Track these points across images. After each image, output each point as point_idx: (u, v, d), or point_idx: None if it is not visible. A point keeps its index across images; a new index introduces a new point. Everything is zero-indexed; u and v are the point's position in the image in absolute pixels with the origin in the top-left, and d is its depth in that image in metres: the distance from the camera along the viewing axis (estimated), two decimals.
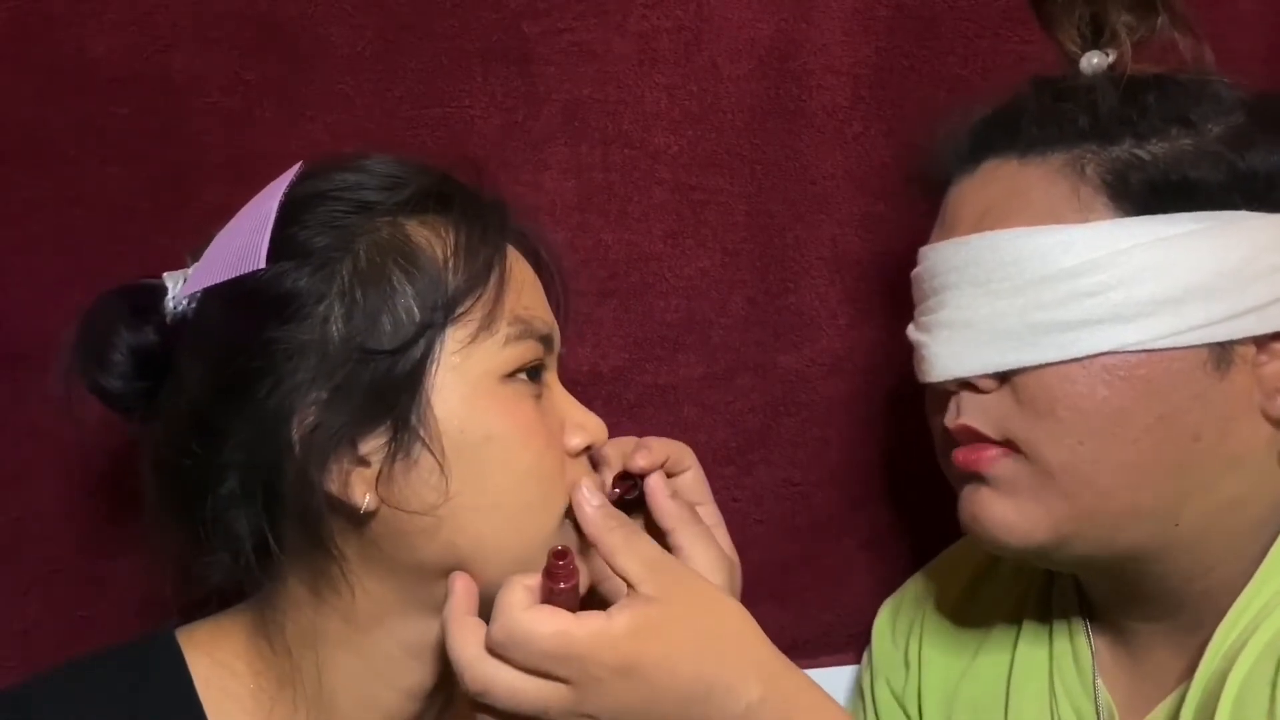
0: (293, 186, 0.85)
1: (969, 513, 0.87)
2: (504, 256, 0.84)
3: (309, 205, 0.83)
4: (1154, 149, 0.83)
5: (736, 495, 1.14)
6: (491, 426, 0.80)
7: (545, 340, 0.85)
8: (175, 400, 0.83)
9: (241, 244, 0.82)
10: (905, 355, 1.13)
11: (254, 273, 0.80)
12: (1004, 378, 0.85)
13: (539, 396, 0.84)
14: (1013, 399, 0.84)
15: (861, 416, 1.14)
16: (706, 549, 0.84)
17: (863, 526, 1.17)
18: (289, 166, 1.05)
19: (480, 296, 0.82)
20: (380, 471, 0.80)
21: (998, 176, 0.87)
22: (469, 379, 0.81)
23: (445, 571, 0.81)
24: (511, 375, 0.82)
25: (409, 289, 0.81)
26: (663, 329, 1.12)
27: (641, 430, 1.12)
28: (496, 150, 1.09)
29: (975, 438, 0.86)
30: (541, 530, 0.81)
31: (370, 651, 0.83)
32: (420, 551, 0.81)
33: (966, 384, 0.86)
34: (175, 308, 0.85)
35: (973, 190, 0.88)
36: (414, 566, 0.81)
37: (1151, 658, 0.90)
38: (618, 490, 0.86)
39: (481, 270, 0.82)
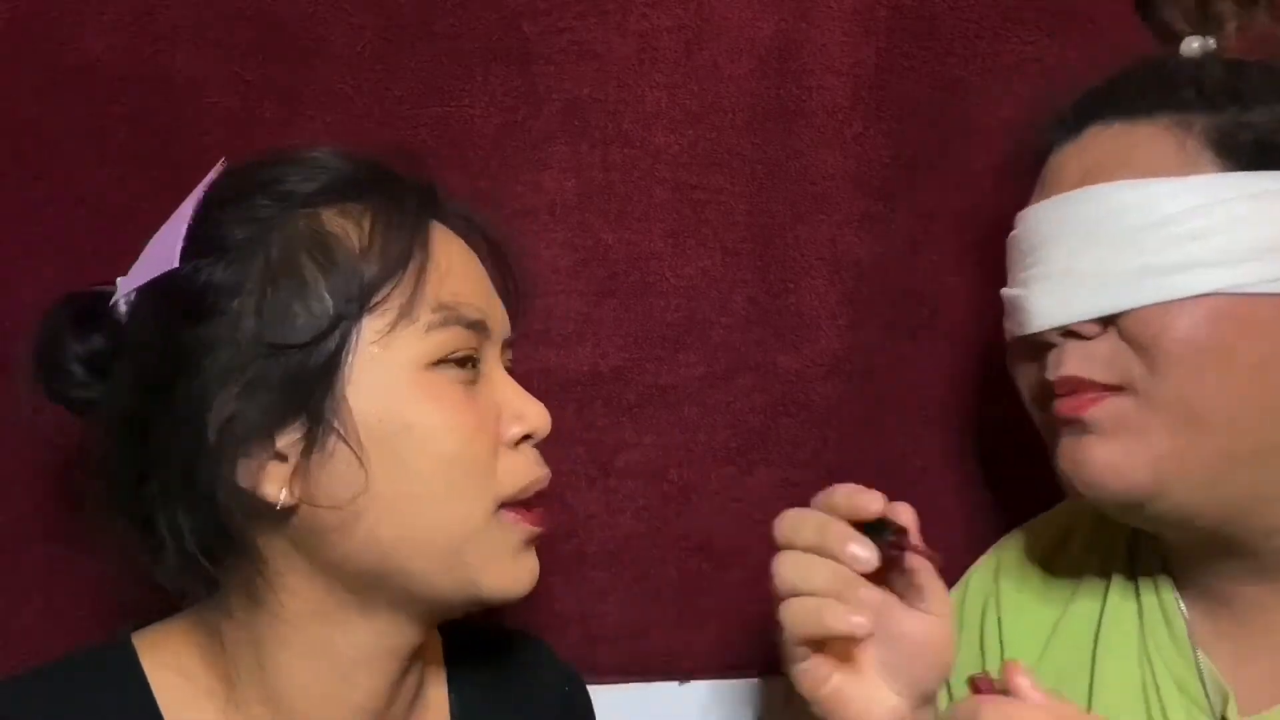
0: (215, 182, 0.84)
1: (1070, 459, 0.87)
2: (425, 242, 0.83)
3: (228, 200, 0.83)
4: (1258, 116, 0.85)
5: (736, 495, 1.14)
6: (411, 415, 0.79)
7: (476, 327, 0.83)
8: (109, 400, 0.83)
9: (165, 242, 0.83)
10: (904, 356, 1.14)
11: (171, 270, 0.80)
12: (1108, 322, 0.85)
13: (472, 383, 0.83)
14: (1118, 341, 0.85)
15: (860, 417, 1.14)
16: (942, 587, 0.85)
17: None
18: None
19: (397, 284, 0.81)
20: (296, 466, 0.79)
21: (1101, 139, 0.88)
22: (388, 368, 0.80)
23: (370, 570, 0.80)
24: (437, 363, 0.81)
25: (322, 281, 0.80)
26: (663, 329, 1.12)
27: (640, 430, 1.13)
28: (496, 150, 1.09)
29: (1079, 386, 0.86)
30: (469, 521, 0.81)
31: (315, 652, 0.82)
32: (341, 547, 0.80)
33: (1070, 332, 0.86)
34: (117, 311, 0.85)
35: (1076, 154, 0.89)
36: (338, 564, 0.80)
37: (1258, 624, 0.89)
38: (893, 551, 0.83)
39: (398, 258, 0.81)
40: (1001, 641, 1.00)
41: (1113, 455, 0.85)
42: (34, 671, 0.84)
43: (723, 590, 1.14)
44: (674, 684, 1.14)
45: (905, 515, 0.84)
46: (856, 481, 1.16)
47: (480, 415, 0.82)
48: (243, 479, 0.79)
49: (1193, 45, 0.89)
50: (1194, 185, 0.84)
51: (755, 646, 1.13)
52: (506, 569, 0.82)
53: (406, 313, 0.80)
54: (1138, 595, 0.95)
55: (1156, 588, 0.94)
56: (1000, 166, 1.10)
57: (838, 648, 0.84)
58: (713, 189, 1.11)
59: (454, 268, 0.84)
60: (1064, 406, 0.87)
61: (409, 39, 1.08)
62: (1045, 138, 0.92)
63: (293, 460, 0.79)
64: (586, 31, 1.08)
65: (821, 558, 0.83)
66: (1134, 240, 0.84)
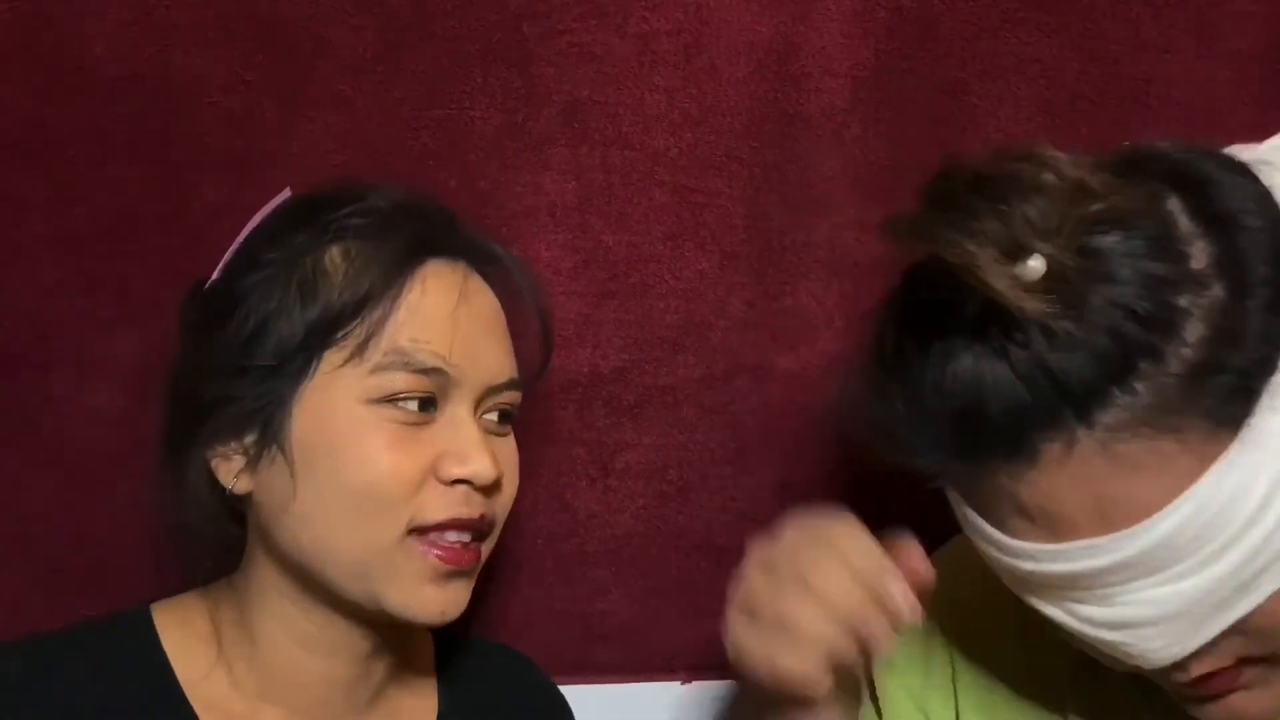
0: (280, 204, 0.95)
1: (1225, 712, 0.82)
2: (401, 286, 0.89)
3: (276, 223, 0.93)
4: (1203, 351, 0.74)
5: (734, 496, 1.14)
6: (335, 444, 0.87)
7: (431, 373, 0.88)
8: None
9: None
10: None
11: (222, 270, 0.93)
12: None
13: (424, 424, 0.89)
14: (1241, 634, 0.78)
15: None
16: None
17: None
18: (289, 166, 1.06)
19: (360, 323, 0.88)
20: (248, 463, 0.89)
21: (1075, 461, 0.75)
22: (331, 399, 0.88)
23: (300, 565, 0.90)
24: (377, 401, 0.88)
25: (299, 311, 0.89)
26: (662, 330, 1.12)
27: (640, 430, 1.13)
28: (496, 151, 1.09)
29: (1217, 674, 0.80)
30: (374, 544, 0.87)
31: (284, 625, 0.92)
32: (278, 540, 0.90)
33: None
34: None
35: (1055, 485, 0.76)
36: (281, 553, 0.90)
37: None
38: None
39: (364, 299, 0.88)
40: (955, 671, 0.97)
41: (1265, 703, 0.81)
42: (55, 631, 0.94)
43: (722, 589, 1.14)
44: (675, 684, 1.14)
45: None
46: (853, 483, 1.17)
47: (413, 453, 0.88)
48: (211, 459, 0.91)
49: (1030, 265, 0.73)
50: (1234, 461, 0.74)
51: None
52: (413, 594, 0.89)
53: (359, 352, 0.88)
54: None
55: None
56: None
57: None
58: (712, 191, 1.11)
59: (428, 311, 0.90)
60: (1209, 689, 0.81)
61: (409, 40, 1.08)
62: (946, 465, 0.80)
63: (248, 457, 0.90)
64: (586, 34, 1.08)
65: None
66: (1226, 549, 0.75)
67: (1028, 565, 0.79)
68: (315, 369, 0.88)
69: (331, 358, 0.88)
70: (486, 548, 0.93)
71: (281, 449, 0.88)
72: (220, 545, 0.94)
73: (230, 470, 0.90)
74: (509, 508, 0.94)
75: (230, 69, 1.06)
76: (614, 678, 1.13)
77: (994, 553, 0.82)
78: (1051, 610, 0.81)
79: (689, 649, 1.14)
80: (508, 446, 0.95)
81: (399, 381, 0.88)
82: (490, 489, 0.91)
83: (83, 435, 1.07)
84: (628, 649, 1.14)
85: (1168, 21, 1.10)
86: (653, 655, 1.14)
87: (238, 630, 0.93)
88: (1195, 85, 1.12)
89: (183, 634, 0.93)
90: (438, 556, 0.89)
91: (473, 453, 0.89)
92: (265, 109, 1.07)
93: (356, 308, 0.88)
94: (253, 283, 0.90)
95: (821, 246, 1.12)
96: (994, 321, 0.75)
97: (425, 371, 0.88)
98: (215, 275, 0.93)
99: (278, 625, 0.92)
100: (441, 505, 0.88)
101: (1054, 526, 0.77)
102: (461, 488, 0.89)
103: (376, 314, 0.88)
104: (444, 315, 0.90)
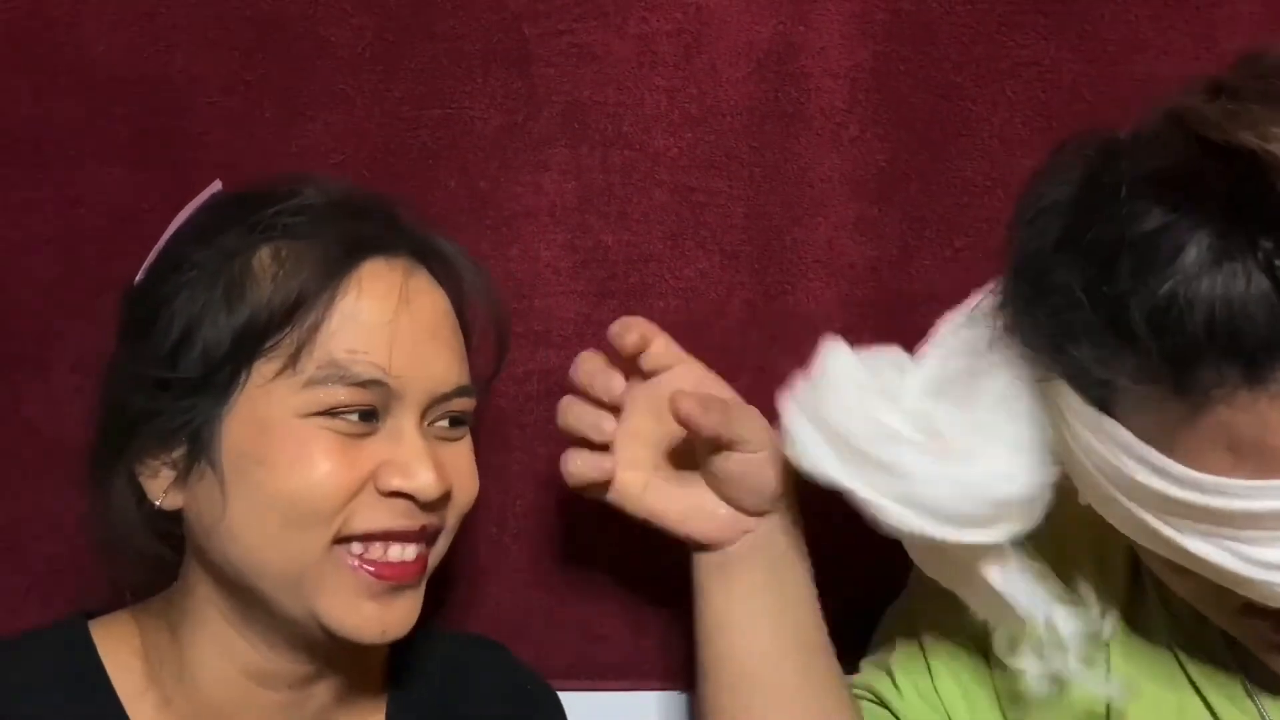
0: (204, 203, 0.90)
1: None
2: (333, 292, 0.84)
3: (201, 222, 0.88)
4: None
5: None
6: (269, 456, 0.82)
7: (370, 385, 0.84)
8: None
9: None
10: None
11: (145, 271, 0.89)
12: None
13: (366, 435, 0.84)
14: None
15: None
16: (756, 428, 0.95)
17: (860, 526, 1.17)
18: (289, 167, 1.07)
19: (289, 334, 0.83)
20: (177, 478, 0.85)
21: None
22: (265, 412, 0.83)
23: (235, 580, 0.85)
24: (313, 414, 0.83)
25: (225, 317, 0.83)
26: (662, 330, 1.12)
27: None
28: (496, 151, 1.09)
29: None
30: (303, 554, 0.83)
31: (218, 642, 0.87)
32: (213, 555, 0.85)
33: None
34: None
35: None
36: (217, 569, 0.86)
37: None
38: None
39: (296, 305, 0.83)
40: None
41: None
42: None
43: None
44: (676, 693, 1.14)
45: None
46: None
47: (352, 462, 0.83)
48: (140, 473, 0.86)
49: None
50: None
51: None
52: (349, 610, 0.84)
53: (292, 363, 0.83)
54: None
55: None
56: (996, 171, 1.11)
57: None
58: (711, 191, 1.11)
59: (365, 318, 0.84)
60: None
61: (409, 40, 1.08)
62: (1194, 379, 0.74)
63: (176, 471, 0.85)
64: (586, 34, 1.09)
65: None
66: None
67: (1215, 501, 0.76)
68: (245, 380, 0.83)
69: (263, 369, 0.83)
70: (435, 555, 0.89)
71: (211, 465, 0.83)
72: (151, 563, 0.89)
73: (159, 486, 0.86)
74: (465, 512, 0.90)
75: (230, 69, 1.07)
76: (613, 682, 1.13)
77: (1162, 484, 0.77)
78: (1202, 546, 0.78)
79: (689, 649, 1.14)
80: (460, 452, 0.90)
81: (337, 395, 0.83)
82: (436, 501, 0.86)
83: (83, 435, 1.06)
84: (625, 652, 1.14)
85: (1167, 21, 1.10)
86: (653, 656, 1.14)
87: (170, 650, 0.88)
88: None
89: (118, 649, 0.89)
90: (370, 572, 0.84)
91: (416, 466, 0.84)
92: (265, 109, 1.07)
93: (287, 314, 0.82)
94: (176, 285, 0.84)
95: (821, 246, 1.12)
96: (1269, 233, 0.72)
97: (364, 385, 0.83)
98: (139, 276, 0.89)
99: (212, 646, 0.87)
100: (372, 515, 0.84)
101: (1264, 462, 0.74)
102: (402, 500, 0.85)
103: (309, 321, 0.83)
104: (383, 322, 0.84)
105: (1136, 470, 0.78)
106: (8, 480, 1.07)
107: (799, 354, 1.14)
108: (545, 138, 1.09)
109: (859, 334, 1.14)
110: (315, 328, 0.83)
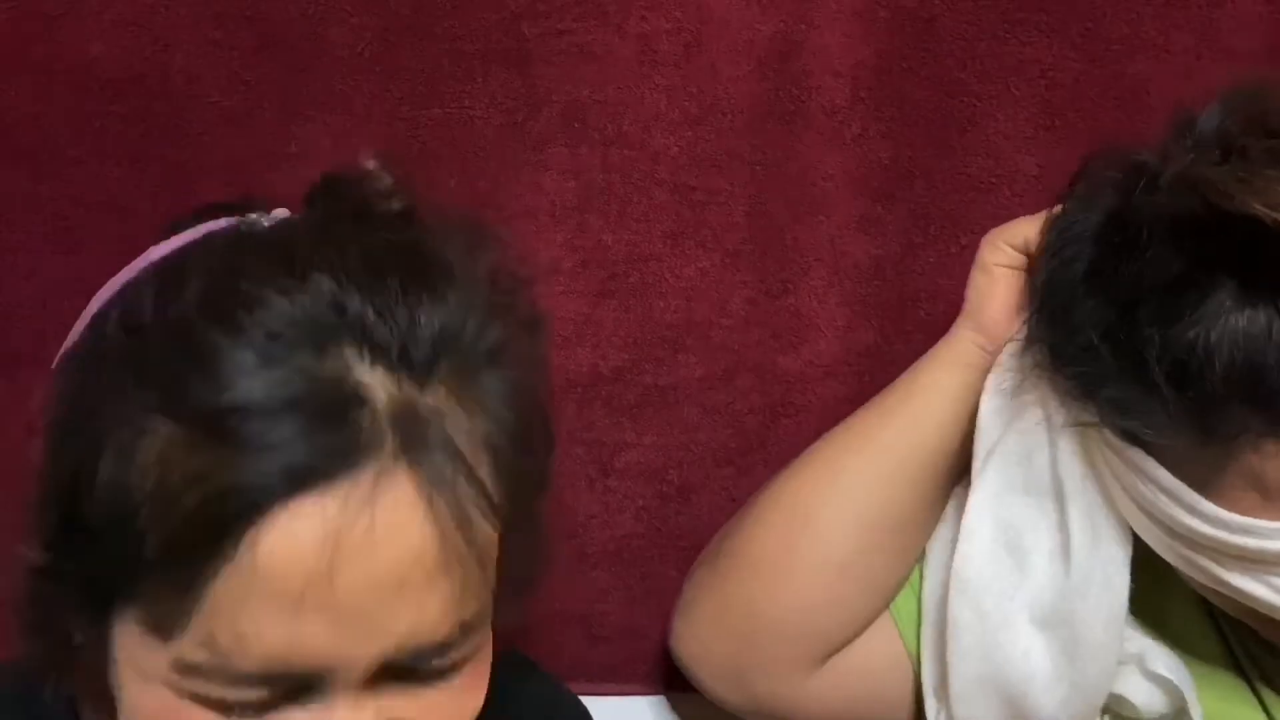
0: (169, 269, 0.70)
1: None
2: (229, 545, 0.55)
3: (127, 332, 0.65)
4: None
5: (735, 495, 1.14)
6: (139, 708, 0.61)
7: (268, 681, 0.57)
8: None
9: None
10: (903, 358, 1.14)
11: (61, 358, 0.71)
12: None
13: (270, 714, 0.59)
14: None
15: None
16: None
17: None
18: (289, 167, 1.06)
19: (162, 584, 0.57)
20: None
21: None
22: (140, 657, 0.60)
23: None
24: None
25: (89, 508, 0.60)
26: (662, 330, 1.12)
27: (640, 431, 1.13)
28: (496, 151, 1.09)
29: None
30: None
31: None
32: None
33: None
34: None
35: None
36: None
37: None
38: None
39: (171, 547, 0.56)
40: None
41: None
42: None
43: None
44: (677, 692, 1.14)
45: None
46: None
47: None
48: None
49: None
50: None
51: None
52: None
53: (157, 631, 0.58)
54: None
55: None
56: (999, 168, 1.10)
57: None
58: (712, 190, 1.11)
59: (271, 587, 0.55)
60: None
61: (409, 39, 1.08)
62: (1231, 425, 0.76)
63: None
64: (586, 33, 1.08)
65: None
66: None
67: (1249, 542, 0.77)
68: (112, 610, 0.59)
69: (125, 610, 0.58)
70: None
71: (110, 660, 0.61)
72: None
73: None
74: None
75: (230, 69, 1.06)
76: (612, 684, 1.13)
77: (1194, 522, 0.78)
78: (1243, 582, 0.79)
79: None
80: (446, 696, 0.62)
81: (215, 690, 0.57)
82: None
83: None
84: (628, 650, 1.14)
85: (1168, 21, 1.10)
86: (653, 656, 1.14)
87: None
88: (1195, 85, 1.12)
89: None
90: None
91: None
92: (265, 109, 1.07)
93: (158, 557, 0.55)
94: (63, 416, 0.63)
95: (822, 245, 1.12)
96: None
97: (255, 682, 0.57)
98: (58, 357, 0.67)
99: None
100: None
101: None
102: None
103: (183, 578, 0.55)
104: (300, 589, 0.55)
105: (1170, 507, 0.79)
106: (8, 480, 1.06)
107: (801, 354, 1.14)
108: (545, 137, 1.09)
109: (861, 333, 1.14)
110: (195, 590, 0.55)
